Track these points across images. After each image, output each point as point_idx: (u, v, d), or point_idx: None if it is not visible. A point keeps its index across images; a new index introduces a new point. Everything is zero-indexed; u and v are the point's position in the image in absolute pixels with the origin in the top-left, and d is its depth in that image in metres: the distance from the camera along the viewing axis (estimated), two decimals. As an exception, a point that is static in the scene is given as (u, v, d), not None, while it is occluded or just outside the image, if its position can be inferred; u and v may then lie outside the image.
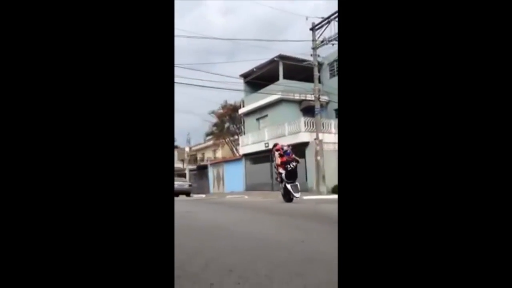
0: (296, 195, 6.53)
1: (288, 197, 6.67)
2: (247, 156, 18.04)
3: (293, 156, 6.86)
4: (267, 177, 15.63)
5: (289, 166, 6.64)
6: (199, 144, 29.73)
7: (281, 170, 6.69)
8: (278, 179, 6.96)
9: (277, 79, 16.06)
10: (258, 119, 18.34)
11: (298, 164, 6.84)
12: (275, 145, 7.43)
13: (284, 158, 6.76)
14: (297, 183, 6.67)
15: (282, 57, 15.77)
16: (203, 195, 16.75)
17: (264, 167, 16.01)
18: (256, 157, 16.84)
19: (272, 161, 7.33)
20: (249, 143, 17.76)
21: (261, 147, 16.46)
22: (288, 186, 6.55)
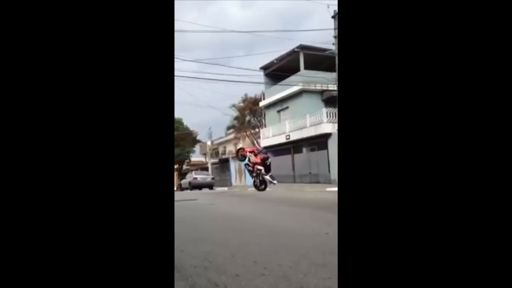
0: (274, 181, 8.73)
1: (264, 186, 8.63)
2: (268, 148, 18.03)
3: (267, 154, 9.32)
4: (289, 169, 15.59)
5: (267, 162, 8.71)
6: (221, 137, 30.05)
7: (260, 167, 8.68)
8: (254, 174, 8.83)
9: (298, 70, 15.82)
10: (279, 111, 18.23)
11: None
12: (241, 149, 9.91)
13: (261, 156, 8.82)
14: (271, 173, 8.86)
15: (303, 47, 15.48)
16: (226, 188, 17.00)
17: (285, 159, 15.96)
18: (278, 149, 16.80)
19: (244, 160, 9.37)
20: (270, 136, 17.72)
21: (282, 139, 16.38)
22: (267, 177, 8.61)
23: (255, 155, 9.00)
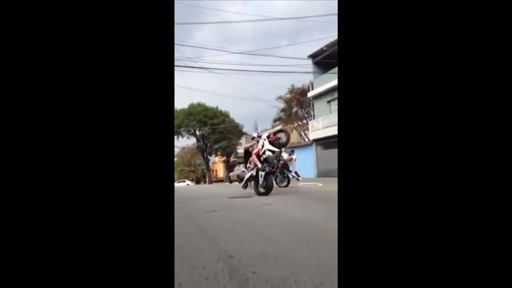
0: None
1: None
2: (317, 141, 17.30)
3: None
4: (341, 163, 14.74)
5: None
6: (266, 130, 29.90)
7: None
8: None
9: (350, 56, 14.76)
10: (329, 102, 17.32)
11: None
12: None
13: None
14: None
15: (356, 32, 14.34)
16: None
17: (336, 153, 15.11)
18: (328, 142, 16.00)
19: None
20: (320, 128, 16.97)
21: (333, 131, 15.54)
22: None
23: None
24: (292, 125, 23.08)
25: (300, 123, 22.54)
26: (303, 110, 22.07)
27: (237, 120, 31.76)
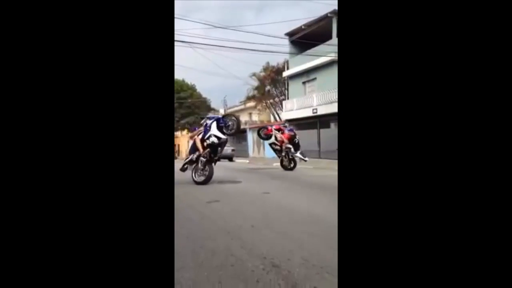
0: (306, 159, 8.59)
1: (294, 165, 8.32)
2: (291, 122, 17.33)
3: (294, 131, 8.77)
4: (313, 144, 14.99)
5: (295, 139, 8.37)
6: (235, 106, 29.30)
7: (289, 145, 8.24)
8: (283, 153, 8.38)
9: (329, 38, 14.59)
10: (304, 83, 17.24)
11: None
12: (264, 128, 9.42)
13: (290, 134, 8.47)
14: (301, 150, 8.48)
15: (336, 13, 14.12)
16: (246, 161, 16.62)
17: (310, 134, 15.30)
18: (302, 123, 16.09)
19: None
20: (294, 109, 16.94)
21: (307, 112, 15.63)
22: (298, 155, 8.28)
23: (282, 132, 8.50)
24: (265, 104, 22.82)
25: (272, 101, 22.35)
26: (277, 90, 21.84)
27: (203, 95, 30.64)
